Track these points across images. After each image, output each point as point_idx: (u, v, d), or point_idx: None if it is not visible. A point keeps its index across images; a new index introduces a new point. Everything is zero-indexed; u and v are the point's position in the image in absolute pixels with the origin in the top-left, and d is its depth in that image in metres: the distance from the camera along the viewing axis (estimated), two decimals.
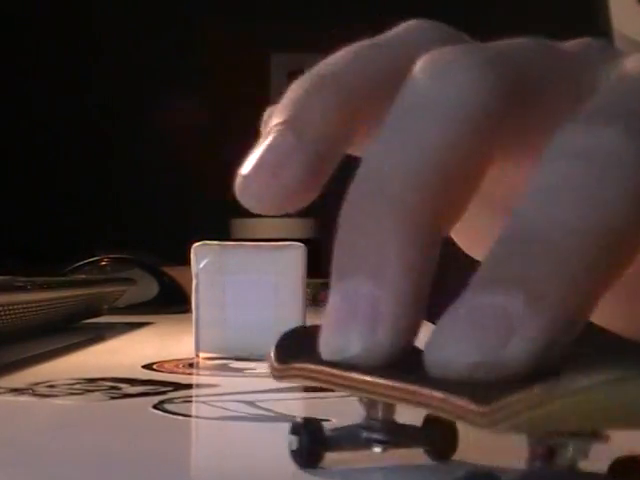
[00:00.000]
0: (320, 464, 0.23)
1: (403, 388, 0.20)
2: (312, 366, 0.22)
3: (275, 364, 0.24)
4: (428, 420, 0.23)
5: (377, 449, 0.23)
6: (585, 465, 0.19)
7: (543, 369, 0.18)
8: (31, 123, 1.43)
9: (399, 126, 0.22)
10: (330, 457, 0.24)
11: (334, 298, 0.21)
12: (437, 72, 0.22)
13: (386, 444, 0.23)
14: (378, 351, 0.20)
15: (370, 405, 0.22)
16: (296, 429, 0.24)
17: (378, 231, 0.21)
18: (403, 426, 0.23)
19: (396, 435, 0.23)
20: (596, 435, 0.19)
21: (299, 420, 0.24)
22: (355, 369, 0.21)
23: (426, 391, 0.19)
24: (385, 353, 0.20)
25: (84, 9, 1.44)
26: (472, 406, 0.18)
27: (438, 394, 0.19)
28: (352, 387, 0.21)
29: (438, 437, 0.23)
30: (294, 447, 0.24)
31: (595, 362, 0.18)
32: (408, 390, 0.20)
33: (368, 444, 0.23)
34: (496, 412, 0.18)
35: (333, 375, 0.21)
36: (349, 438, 0.23)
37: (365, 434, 0.23)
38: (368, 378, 0.20)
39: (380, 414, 0.22)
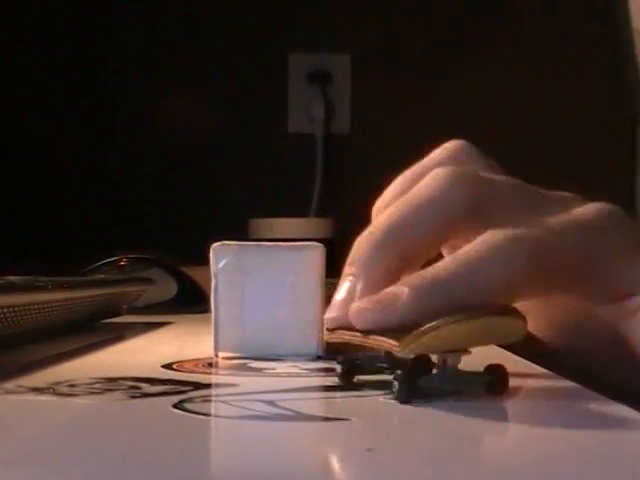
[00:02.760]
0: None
1: (370, 338, 0.37)
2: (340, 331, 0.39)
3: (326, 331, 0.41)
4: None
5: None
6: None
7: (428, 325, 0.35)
8: (49, 123, 1.44)
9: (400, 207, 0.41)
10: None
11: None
12: (433, 180, 0.41)
13: (388, 368, 0.38)
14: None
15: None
16: (340, 361, 0.40)
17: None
18: (397, 358, 0.37)
19: (393, 362, 0.38)
20: (464, 351, 0.36)
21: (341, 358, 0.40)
22: (356, 331, 0.38)
23: (380, 339, 0.36)
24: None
25: (91, 11, 1.45)
26: (394, 343, 0.36)
27: (383, 340, 0.36)
28: (351, 341, 0.38)
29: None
30: (339, 371, 0.40)
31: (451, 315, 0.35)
32: (372, 339, 0.37)
33: (380, 369, 0.39)
34: (402, 345, 0.35)
35: (347, 336, 0.38)
36: (371, 366, 0.40)
37: (378, 363, 0.39)
38: (356, 334, 0.38)
39: (384, 353, 0.38)
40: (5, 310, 0.50)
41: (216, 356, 0.50)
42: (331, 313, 0.40)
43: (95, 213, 1.43)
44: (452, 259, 0.38)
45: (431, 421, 0.32)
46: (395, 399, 0.35)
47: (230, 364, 0.48)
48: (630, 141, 1.42)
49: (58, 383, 0.40)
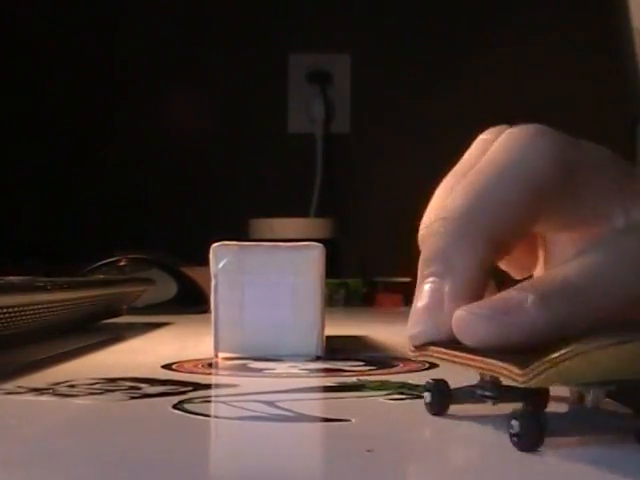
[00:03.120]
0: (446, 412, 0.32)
1: (477, 359, 0.29)
2: (435, 347, 0.31)
3: (411, 347, 0.32)
4: None
5: (489, 402, 0.31)
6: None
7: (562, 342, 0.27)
8: (49, 124, 1.44)
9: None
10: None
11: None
12: (509, 140, 0.35)
13: (495, 399, 0.31)
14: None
15: (483, 374, 0.30)
16: (428, 388, 0.32)
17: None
18: (507, 387, 0.29)
19: (501, 392, 0.31)
20: (609, 383, 0.27)
21: (431, 381, 0.32)
22: (454, 348, 0.30)
23: (493, 362, 0.28)
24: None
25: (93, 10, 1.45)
26: (515, 370, 0.27)
27: (498, 363, 0.28)
28: (450, 361, 0.30)
29: (534, 394, 0.29)
30: (428, 400, 0.32)
31: (600, 334, 0.27)
32: (479, 360, 0.29)
33: (482, 399, 0.31)
34: (528, 373, 0.27)
35: (437, 352, 0.31)
36: (469, 395, 0.32)
37: (479, 392, 0.31)
38: (457, 353, 0.30)
39: (489, 378, 0.30)
40: (5, 310, 0.50)
41: (216, 356, 0.50)
42: (415, 328, 0.31)
43: (95, 213, 1.43)
44: (578, 262, 0.31)
45: (431, 422, 0.32)
46: (515, 444, 0.27)
47: (230, 364, 0.48)
48: (630, 141, 1.42)
49: (58, 383, 0.40)
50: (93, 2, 1.47)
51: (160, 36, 1.46)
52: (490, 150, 0.34)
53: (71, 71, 1.45)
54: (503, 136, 0.35)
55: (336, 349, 0.53)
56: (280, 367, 0.46)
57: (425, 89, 1.46)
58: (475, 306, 0.29)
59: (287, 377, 0.44)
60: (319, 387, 0.43)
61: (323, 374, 0.46)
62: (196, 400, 0.36)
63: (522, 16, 1.46)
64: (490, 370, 0.28)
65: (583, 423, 0.28)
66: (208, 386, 0.42)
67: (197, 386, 0.40)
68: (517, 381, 0.27)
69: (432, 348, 0.31)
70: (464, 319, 0.29)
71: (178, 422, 0.32)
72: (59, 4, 1.44)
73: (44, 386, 0.39)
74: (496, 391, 0.31)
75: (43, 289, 0.56)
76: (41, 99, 1.45)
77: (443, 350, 0.30)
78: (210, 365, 0.48)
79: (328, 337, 0.51)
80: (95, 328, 0.72)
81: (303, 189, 1.44)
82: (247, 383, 0.42)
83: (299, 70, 1.46)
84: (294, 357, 0.49)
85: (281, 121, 1.46)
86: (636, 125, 1.41)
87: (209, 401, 0.38)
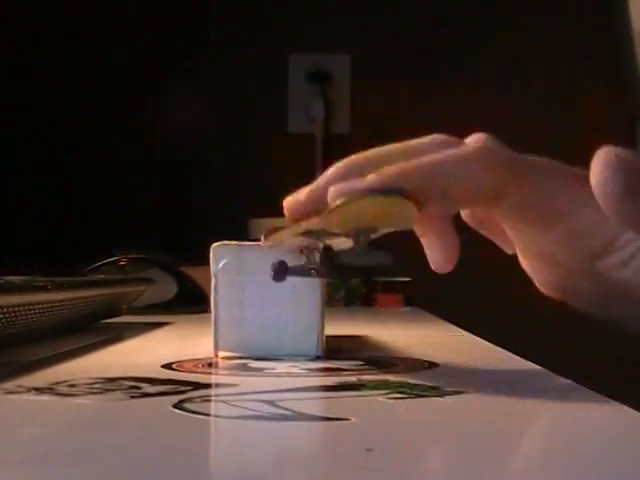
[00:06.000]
0: None
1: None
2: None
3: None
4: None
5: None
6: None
7: None
8: (49, 124, 1.44)
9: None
10: None
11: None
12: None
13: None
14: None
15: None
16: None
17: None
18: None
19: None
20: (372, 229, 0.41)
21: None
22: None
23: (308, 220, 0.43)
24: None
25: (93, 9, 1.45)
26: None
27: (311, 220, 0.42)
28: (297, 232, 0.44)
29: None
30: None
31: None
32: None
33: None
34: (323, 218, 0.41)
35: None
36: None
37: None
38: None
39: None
40: (5, 310, 0.50)
41: (216, 356, 0.50)
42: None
43: (95, 213, 1.43)
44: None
45: (431, 421, 0.32)
46: (319, 277, 0.43)
47: (230, 364, 0.48)
48: (630, 141, 1.42)
49: (58, 383, 0.40)
50: (93, 2, 1.47)
51: (160, 36, 1.46)
52: (448, 151, 0.43)
53: (71, 71, 1.45)
54: (461, 147, 0.44)
55: (336, 349, 0.53)
56: (280, 367, 0.46)
57: (425, 89, 1.46)
58: (337, 184, 0.42)
59: (287, 376, 0.44)
60: (319, 386, 0.43)
61: (323, 374, 0.46)
62: (196, 399, 0.36)
63: (522, 15, 1.46)
64: (309, 225, 0.43)
65: (359, 257, 0.41)
66: (208, 385, 0.42)
67: (197, 385, 0.40)
68: (320, 224, 0.41)
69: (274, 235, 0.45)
70: (330, 192, 0.42)
71: (178, 421, 0.32)
72: (59, 4, 1.44)
73: (44, 386, 0.39)
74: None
75: (43, 289, 0.56)
76: (41, 99, 1.45)
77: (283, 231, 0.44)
78: (210, 365, 0.48)
79: (328, 337, 0.51)
80: (95, 328, 0.72)
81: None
82: (247, 382, 0.42)
83: (299, 70, 1.46)
84: (294, 357, 0.49)
85: (281, 121, 1.46)
86: (636, 125, 1.41)
87: (209, 400, 0.38)
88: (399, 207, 0.40)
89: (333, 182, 0.43)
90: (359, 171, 0.43)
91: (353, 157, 0.46)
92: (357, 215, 0.40)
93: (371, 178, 0.41)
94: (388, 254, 0.41)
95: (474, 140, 0.45)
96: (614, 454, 0.28)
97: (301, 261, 0.45)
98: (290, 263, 0.45)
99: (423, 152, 0.43)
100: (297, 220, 0.44)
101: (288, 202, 0.45)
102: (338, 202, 0.40)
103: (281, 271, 0.45)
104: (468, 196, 0.43)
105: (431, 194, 0.41)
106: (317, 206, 0.43)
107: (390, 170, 0.41)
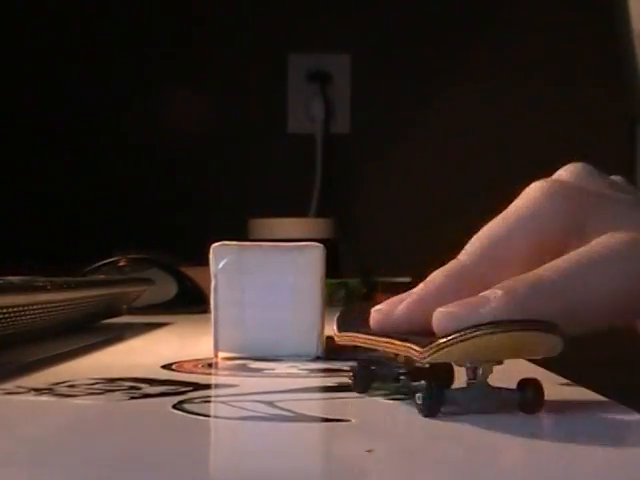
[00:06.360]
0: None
1: (384, 340, 0.34)
2: (352, 333, 0.36)
3: (335, 331, 0.38)
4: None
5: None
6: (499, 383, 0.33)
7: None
8: (49, 123, 1.44)
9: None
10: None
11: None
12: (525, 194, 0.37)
13: (406, 375, 0.35)
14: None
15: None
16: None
17: None
18: (418, 367, 0.34)
19: (413, 371, 0.34)
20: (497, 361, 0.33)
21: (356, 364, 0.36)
22: (367, 333, 0.35)
23: (396, 342, 0.33)
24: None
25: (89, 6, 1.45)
26: (415, 348, 0.32)
27: (399, 343, 0.33)
28: (363, 343, 0.35)
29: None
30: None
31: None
32: (386, 342, 0.34)
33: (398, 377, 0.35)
34: (424, 352, 0.31)
35: (361, 338, 0.35)
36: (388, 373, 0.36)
37: (396, 370, 0.35)
38: (369, 337, 0.35)
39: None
40: (5, 310, 0.50)
41: (216, 356, 0.50)
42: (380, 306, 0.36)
43: (95, 213, 1.43)
44: (562, 260, 0.34)
45: (431, 421, 0.32)
46: (420, 411, 0.32)
47: (230, 364, 0.48)
48: (630, 141, 1.42)
49: (58, 383, 0.40)
50: (93, 2, 1.47)
51: (160, 36, 1.46)
52: (511, 206, 0.37)
53: (71, 71, 1.45)
54: (527, 188, 0.37)
55: (336, 349, 0.53)
56: (280, 367, 0.46)
57: (425, 89, 1.46)
58: (450, 305, 0.33)
59: (287, 377, 0.44)
60: (319, 387, 0.43)
61: (323, 374, 0.46)
62: (196, 400, 0.36)
63: (523, 16, 1.46)
64: (395, 350, 0.33)
65: (474, 396, 0.33)
66: (208, 386, 0.42)
67: (197, 386, 0.40)
68: (415, 357, 0.32)
69: (350, 333, 0.36)
70: (437, 316, 0.32)
71: (178, 422, 0.32)
72: (59, 4, 1.44)
73: (44, 386, 0.39)
74: (411, 370, 0.35)
75: (43, 289, 0.56)
76: (41, 100, 1.44)
77: (358, 335, 0.36)
78: (210, 365, 0.48)
79: (328, 337, 0.51)
80: (95, 328, 0.72)
81: (303, 189, 1.44)
82: (247, 383, 0.42)
83: (299, 70, 1.46)
84: (294, 357, 0.49)
85: (281, 121, 1.46)
86: (636, 125, 1.41)
87: (209, 401, 0.38)
88: (541, 339, 0.32)
89: (440, 299, 0.34)
90: (471, 282, 0.35)
91: (457, 264, 0.36)
92: (478, 350, 0.32)
93: (498, 301, 0.32)
94: (519, 394, 0.33)
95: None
96: (614, 454, 0.28)
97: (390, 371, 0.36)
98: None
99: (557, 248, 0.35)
100: (387, 336, 0.35)
101: (379, 313, 0.36)
102: (455, 336, 0.31)
103: (365, 379, 0.37)
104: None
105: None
106: (414, 327, 0.34)
107: (520, 287, 0.33)
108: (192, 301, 0.94)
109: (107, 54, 1.45)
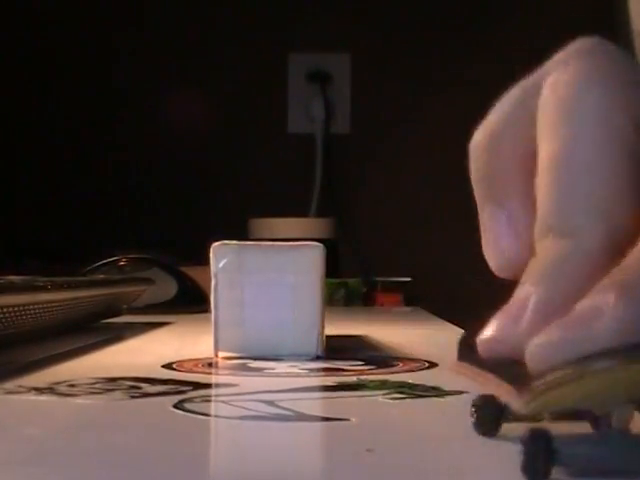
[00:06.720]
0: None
1: (485, 376, 0.25)
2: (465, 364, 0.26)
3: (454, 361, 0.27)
4: None
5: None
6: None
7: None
8: (49, 123, 1.44)
9: None
10: None
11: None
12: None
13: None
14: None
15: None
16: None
17: None
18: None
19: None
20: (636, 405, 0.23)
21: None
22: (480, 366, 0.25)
23: (495, 381, 0.24)
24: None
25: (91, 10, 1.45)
26: (513, 392, 0.23)
27: (501, 385, 0.24)
28: (472, 378, 0.26)
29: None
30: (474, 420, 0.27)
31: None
32: (487, 378, 0.24)
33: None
34: (528, 398, 0.22)
35: (465, 369, 0.26)
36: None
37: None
38: (479, 372, 0.25)
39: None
40: (5, 310, 0.50)
41: (216, 356, 0.50)
42: (486, 332, 0.25)
43: (95, 213, 1.43)
44: None
45: (431, 421, 0.32)
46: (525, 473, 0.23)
47: (230, 364, 0.48)
48: None
49: (58, 383, 0.40)
50: (93, 2, 1.47)
51: (160, 36, 1.46)
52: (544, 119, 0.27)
53: (71, 71, 1.45)
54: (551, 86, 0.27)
55: (336, 349, 0.53)
56: (280, 367, 0.46)
57: (425, 89, 1.46)
58: (548, 329, 0.23)
59: (287, 377, 0.44)
60: (319, 386, 0.43)
61: (323, 374, 0.46)
62: (196, 399, 0.36)
63: (523, 16, 1.46)
64: (499, 393, 0.24)
65: (602, 450, 0.23)
66: (208, 385, 0.42)
67: (197, 385, 0.40)
68: (514, 406, 0.23)
69: (464, 364, 0.26)
70: (532, 352, 0.23)
71: (178, 421, 0.32)
72: (59, 4, 1.44)
73: (44, 386, 0.39)
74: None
75: (43, 289, 0.56)
76: (41, 100, 1.45)
77: (471, 368, 0.26)
78: (210, 364, 0.48)
79: (328, 337, 0.51)
80: (95, 328, 0.72)
81: (303, 189, 1.44)
82: (247, 382, 0.42)
83: (299, 70, 1.46)
84: (294, 357, 0.49)
85: (281, 121, 1.46)
86: None
87: (209, 400, 0.38)
88: None
89: (538, 324, 0.24)
90: (571, 299, 0.23)
91: (558, 278, 0.24)
92: (606, 388, 0.22)
93: (615, 311, 0.22)
94: None
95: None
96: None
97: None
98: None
99: None
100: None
101: (488, 339, 0.25)
102: (562, 374, 0.22)
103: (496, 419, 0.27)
104: None
105: None
106: (517, 351, 0.24)
107: (636, 279, 0.22)
108: (192, 301, 0.94)
109: (107, 54, 1.45)
